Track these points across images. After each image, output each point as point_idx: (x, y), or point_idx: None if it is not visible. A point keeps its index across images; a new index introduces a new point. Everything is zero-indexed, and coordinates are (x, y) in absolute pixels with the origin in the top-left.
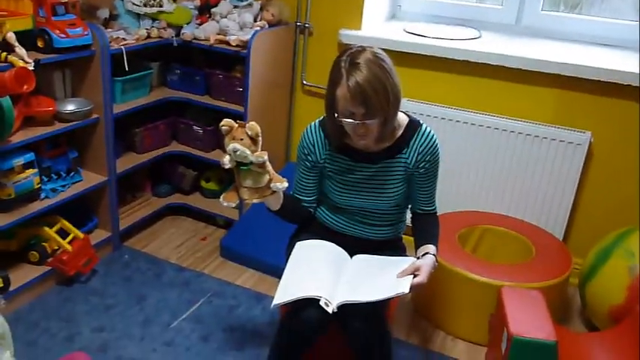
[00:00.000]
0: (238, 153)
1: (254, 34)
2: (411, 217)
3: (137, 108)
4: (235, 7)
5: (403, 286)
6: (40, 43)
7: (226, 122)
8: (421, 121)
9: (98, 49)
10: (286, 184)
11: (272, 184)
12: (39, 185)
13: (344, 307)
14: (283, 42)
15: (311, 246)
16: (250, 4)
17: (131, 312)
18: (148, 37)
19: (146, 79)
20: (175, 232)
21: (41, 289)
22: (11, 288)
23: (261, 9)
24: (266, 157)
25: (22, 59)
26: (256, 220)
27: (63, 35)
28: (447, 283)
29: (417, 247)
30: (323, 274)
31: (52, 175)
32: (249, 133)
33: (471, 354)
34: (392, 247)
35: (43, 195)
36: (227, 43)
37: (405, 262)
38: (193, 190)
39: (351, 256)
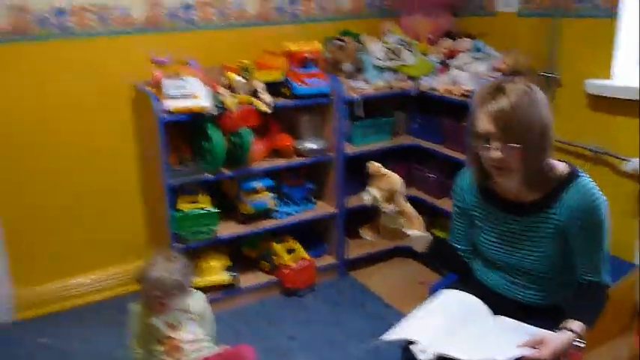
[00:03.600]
0: (373, 200)
1: (482, 84)
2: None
3: (371, 151)
4: (476, 58)
5: (501, 354)
6: (285, 91)
7: (372, 167)
8: (582, 173)
9: (335, 97)
10: (417, 233)
11: (408, 232)
12: (274, 207)
13: None
14: None
15: (451, 295)
16: (489, 56)
17: (324, 331)
18: (389, 87)
19: (386, 125)
20: (398, 272)
21: (265, 294)
22: (239, 287)
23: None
24: (392, 208)
25: (264, 102)
26: None
27: (302, 84)
28: None
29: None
30: (439, 321)
31: (288, 201)
32: (385, 187)
33: None
34: (552, 317)
35: (277, 216)
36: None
37: (537, 332)
38: None
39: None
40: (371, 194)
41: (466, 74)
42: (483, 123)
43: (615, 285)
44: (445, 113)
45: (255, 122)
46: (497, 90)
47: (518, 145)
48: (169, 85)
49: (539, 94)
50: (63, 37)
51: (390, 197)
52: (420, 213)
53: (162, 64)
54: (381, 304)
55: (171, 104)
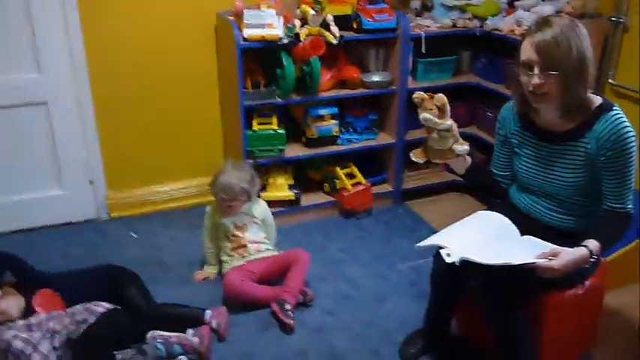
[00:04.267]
0: (427, 121)
1: None
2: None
3: (432, 87)
4: (543, 0)
5: (516, 259)
6: (354, 25)
7: (418, 95)
8: (614, 106)
9: (400, 32)
10: (466, 147)
11: (454, 146)
12: (337, 134)
13: (469, 266)
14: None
15: (484, 215)
16: None
17: (374, 246)
18: (454, 26)
19: (449, 64)
20: (452, 206)
21: (324, 213)
22: (301, 205)
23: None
24: (450, 124)
25: (333, 34)
26: None
27: (370, 19)
28: None
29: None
30: (468, 234)
31: (351, 129)
32: (437, 103)
33: None
34: (576, 241)
35: (339, 142)
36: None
37: (554, 247)
38: None
39: None
40: (424, 119)
41: (531, 15)
42: (527, 52)
43: None
44: (508, 54)
45: (323, 52)
46: (543, 22)
47: (556, 73)
48: (248, 15)
49: (583, 30)
50: None
51: (442, 113)
52: (478, 151)
53: None
54: (431, 231)
55: (247, 32)
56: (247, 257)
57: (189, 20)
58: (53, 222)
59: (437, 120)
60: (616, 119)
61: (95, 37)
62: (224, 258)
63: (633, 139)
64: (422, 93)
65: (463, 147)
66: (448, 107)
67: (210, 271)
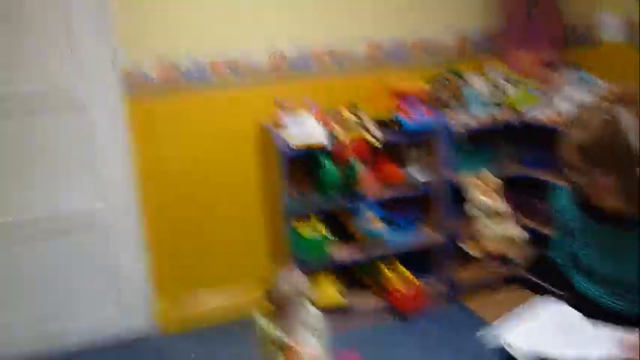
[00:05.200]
0: (482, 205)
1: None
2: None
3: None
4: (580, 89)
5: (590, 354)
6: (394, 126)
7: (469, 179)
8: None
9: (440, 130)
10: (524, 234)
11: (512, 232)
12: (384, 234)
13: None
14: None
15: (552, 306)
16: (594, 85)
17: (434, 353)
18: (493, 120)
19: (491, 156)
20: (511, 301)
21: (376, 317)
22: (352, 309)
23: None
24: (505, 206)
25: (374, 137)
26: None
27: (409, 120)
28: None
29: None
30: (535, 326)
31: (398, 228)
32: (492, 186)
33: None
34: None
35: (386, 242)
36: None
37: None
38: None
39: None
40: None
41: (569, 104)
42: (568, 155)
43: None
44: (550, 143)
45: (365, 154)
46: (580, 121)
47: (603, 178)
48: (291, 124)
49: (624, 121)
50: (204, 87)
51: (497, 196)
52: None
53: (284, 106)
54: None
55: (293, 141)
56: None
57: (234, 135)
58: (106, 342)
59: (492, 203)
60: None
61: (147, 157)
62: None
63: None
64: (474, 177)
65: (519, 231)
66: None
67: None
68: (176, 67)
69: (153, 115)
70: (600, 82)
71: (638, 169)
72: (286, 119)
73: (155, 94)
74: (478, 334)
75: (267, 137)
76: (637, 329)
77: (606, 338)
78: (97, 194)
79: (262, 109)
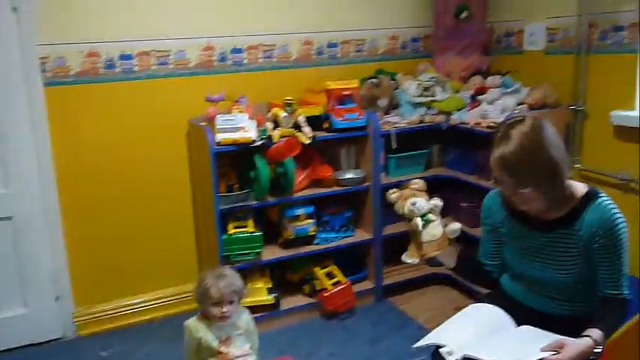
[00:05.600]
0: (417, 205)
1: (506, 117)
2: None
3: (405, 181)
4: (504, 94)
5: (523, 356)
6: (325, 125)
7: (391, 191)
8: (601, 192)
9: (371, 130)
10: (459, 225)
11: (447, 228)
12: (314, 233)
13: None
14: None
15: (478, 307)
16: (517, 91)
17: (362, 348)
18: (422, 122)
19: (420, 157)
20: (435, 299)
21: (305, 316)
22: (281, 308)
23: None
24: (438, 201)
25: (306, 135)
26: None
27: (340, 119)
28: None
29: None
30: (467, 329)
31: (328, 227)
32: (417, 186)
33: None
34: (574, 328)
35: (317, 241)
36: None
37: (559, 337)
38: None
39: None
40: (412, 203)
41: (494, 108)
42: (494, 168)
43: None
44: (476, 145)
45: (297, 153)
46: (503, 136)
47: (527, 190)
48: (221, 120)
49: (547, 133)
50: (127, 78)
51: (425, 196)
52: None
53: (214, 101)
54: (418, 327)
55: (221, 136)
56: None
57: (160, 131)
58: (16, 344)
59: (425, 202)
60: (605, 206)
61: (64, 148)
62: None
63: (624, 225)
64: (395, 189)
65: (456, 225)
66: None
67: None
68: (100, 56)
69: (72, 104)
70: (523, 88)
71: (559, 178)
72: (216, 114)
73: (76, 84)
74: (414, 346)
75: (197, 132)
76: (564, 330)
77: (536, 340)
78: (7, 186)
79: (192, 103)
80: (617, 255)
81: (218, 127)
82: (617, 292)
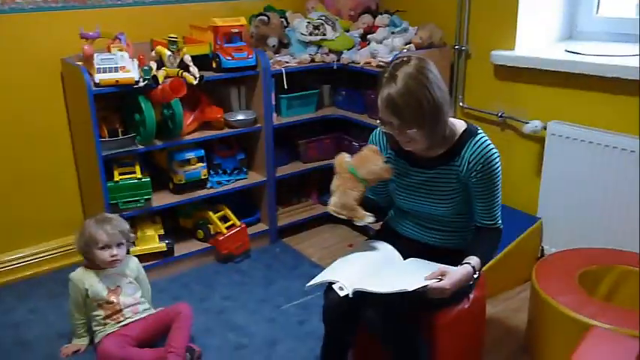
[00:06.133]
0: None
1: (394, 56)
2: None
3: (297, 122)
4: (392, 33)
5: (409, 285)
6: (214, 65)
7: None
8: (479, 130)
9: (261, 70)
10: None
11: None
12: (206, 177)
13: (363, 297)
14: (437, 65)
15: (367, 244)
16: (405, 30)
17: (258, 289)
18: (312, 61)
19: (312, 98)
20: (328, 237)
21: (200, 261)
22: (175, 255)
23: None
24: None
25: (192, 75)
26: None
27: (229, 58)
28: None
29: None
30: (357, 265)
31: (220, 171)
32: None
33: None
34: (458, 257)
35: (209, 185)
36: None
37: (441, 267)
38: None
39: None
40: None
41: (384, 47)
42: (380, 108)
43: (519, 237)
44: (366, 85)
45: (184, 94)
46: (389, 77)
47: (412, 130)
48: (99, 59)
49: (431, 74)
50: None
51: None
52: None
53: (90, 38)
54: (312, 265)
55: (100, 77)
56: (123, 322)
57: (30, 72)
58: None
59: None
60: (482, 143)
61: None
62: (96, 327)
63: (498, 160)
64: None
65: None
66: None
67: (80, 342)
68: None
69: None
70: (411, 28)
71: (442, 118)
72: (92, 52)
73: None
74: (307, 285)
75: (72, 73)
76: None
77: (421, 270)
78: None
79: (65, 41)
80: (492, 188)
81: (96, 66)
82: (492, 223)
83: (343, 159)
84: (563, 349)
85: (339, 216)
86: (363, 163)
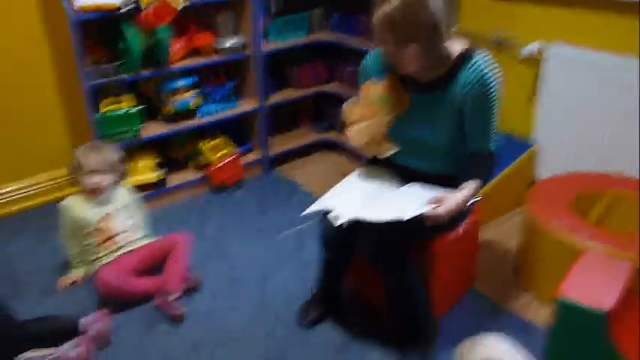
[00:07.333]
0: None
1: None
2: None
3: (288, 48)
4: None
5: (404, 213)
6: None
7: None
8: (477, 51)
9: None
10: None
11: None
12: (196, 106)
13: (358, 224)
14: None
15: (365, 172)
16: None
17: (252, 219)
18: None
19: (303, 22)
20: (322, 165)
21: (194, 191)
22: (169, 185)
23: None
24: None
25: None
26: None
27: None
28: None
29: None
30: (352, 193)
31: (210, 99)
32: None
33: None
34: (452, 184)
35: (199, 114)
36: None
37: (438, 193)
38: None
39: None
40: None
41: None
42: (377, 27)
43: (513, 163)
44: (360, 8)
45: (171, 20)
46: None
47: (408, 48)
48: None
49: None
50: None
51: None
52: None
53: None
54: (306, 194)
55: (81, 2)
56: (118, 251)
57: None
58: None
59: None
60: (478, 66)
61: None
62: (92, 257)
63: (495, 84)
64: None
65: None
66: None
67: (77, 274)
68: None
69: None
70: None
71: (439, 37)
72: None
73: None
74: (302, 214)
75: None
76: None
77: (418, 196)
78: None
79: None
80: (487, 113)
81: None
82: (485, 147)
83: (373, 87)
84: (554, 273)
85: (361, 148)
86: (390, 93)
